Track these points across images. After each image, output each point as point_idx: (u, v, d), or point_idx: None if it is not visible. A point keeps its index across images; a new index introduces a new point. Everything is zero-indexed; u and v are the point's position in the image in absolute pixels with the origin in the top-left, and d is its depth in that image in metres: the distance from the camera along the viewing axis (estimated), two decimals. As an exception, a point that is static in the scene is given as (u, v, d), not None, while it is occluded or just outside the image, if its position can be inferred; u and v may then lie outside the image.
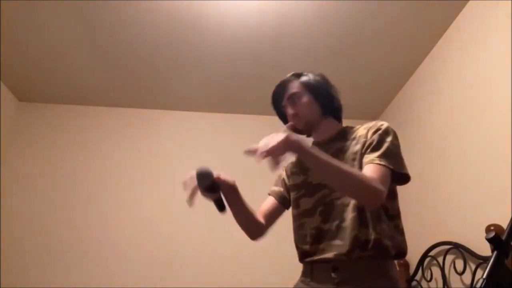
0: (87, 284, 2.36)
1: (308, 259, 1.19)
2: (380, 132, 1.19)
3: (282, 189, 1.42)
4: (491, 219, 1.82)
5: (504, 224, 1.70)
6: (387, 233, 1.11)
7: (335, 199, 1.17)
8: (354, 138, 1.27)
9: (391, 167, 1.10)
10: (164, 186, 2.70)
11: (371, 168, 1.09)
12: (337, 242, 1.12)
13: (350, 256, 1.08)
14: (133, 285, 2.38)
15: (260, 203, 2.80)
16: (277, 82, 1.39)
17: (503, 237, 0.95)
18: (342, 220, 1.13)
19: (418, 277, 2.36)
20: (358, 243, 1.09)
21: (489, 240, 0.94)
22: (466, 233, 1.99)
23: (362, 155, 1.17)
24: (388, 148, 1.14)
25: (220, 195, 1.20)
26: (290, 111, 1.32)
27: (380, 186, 1.04)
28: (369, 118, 3.17)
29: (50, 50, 2.36)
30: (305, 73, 1.36)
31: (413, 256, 2.50)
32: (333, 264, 1.11)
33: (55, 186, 2.61)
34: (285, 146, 1.00)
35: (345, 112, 3.38)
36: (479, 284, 0.87)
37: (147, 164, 2.77)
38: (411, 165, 2.59)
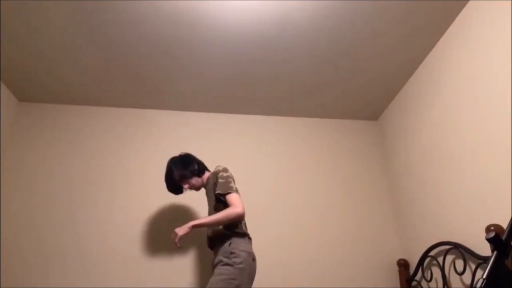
0: (87, 284, 2.36)
1: None
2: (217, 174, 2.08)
3: None
4: (491, 219, 1.82)
5: (504, 224, 1.70)
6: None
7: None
8: (209, 183, 2.15)
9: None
10: (164, 186, 2.70)
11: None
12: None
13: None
14: (132, 285, 2.38)
15: (258, 200, 2.84)
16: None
17: (503, 237, 0.95)
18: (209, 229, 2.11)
19: (418, 277, 2.36)
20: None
21: (489, 240, 0.94)
22: (466, 233, 2.00)
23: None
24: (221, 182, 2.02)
25: None
26: (189, 188, 2.23)
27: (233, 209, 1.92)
28: (369, 118, 3.17)
29: (50, 50, 2.36)
30: (170, 175, 2.22)
31: (413, 256, 2.51)
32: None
33: (55, 186, 2.61)
34: (187, 231, 1.96)
35: (345, 112, 3.40)
36: (479, 284, 0.87)
37: (147, 164, 2.77)
38: (411, 165, 2.60)
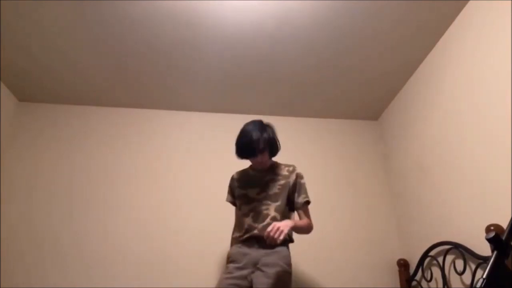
0: (87, 284, 2.36)
1: (241, 238, 1.91)
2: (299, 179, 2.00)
3: (233, 198, 2.10)
4: (491, 219, 1.82)
5: (504, 224, 1.70)
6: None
7: (261, 209, 1.90)
8: (279, 174, 1.99)
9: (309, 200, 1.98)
10: (164, 186, 2.71)
11: (304, 210, 1.97)
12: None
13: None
14: (132, 285, 2.38)
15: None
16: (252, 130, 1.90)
17: (503, 237, 0.95)
18: (264, 222, 1.88)
19: (418, 277, 2.36)
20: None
21: (489, 240, 0.94)
22: (466, 233, 2.00)
23: (287, 193, 1.94)
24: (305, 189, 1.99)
25: None
26: (259, 159, 1.94)
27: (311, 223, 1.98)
28: (369, 118, 3.17)
29: (50, 50, 2.36)
30: (265, 132, 1.91)
31: (413, 256, 2.51)
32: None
33: (55, 186, 2.61)
34: (288, 229, 1.76)
35: (345, 112, 3.39)
36: (479, 284, 0.87)
37: (147, 164, 2.77)
38: (411, 165, 2.60)
